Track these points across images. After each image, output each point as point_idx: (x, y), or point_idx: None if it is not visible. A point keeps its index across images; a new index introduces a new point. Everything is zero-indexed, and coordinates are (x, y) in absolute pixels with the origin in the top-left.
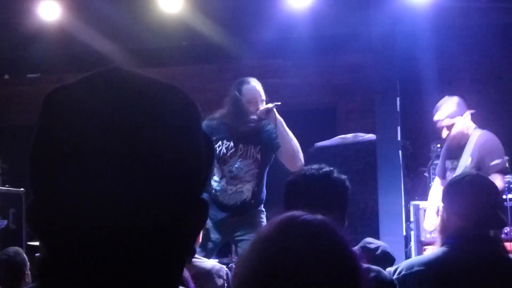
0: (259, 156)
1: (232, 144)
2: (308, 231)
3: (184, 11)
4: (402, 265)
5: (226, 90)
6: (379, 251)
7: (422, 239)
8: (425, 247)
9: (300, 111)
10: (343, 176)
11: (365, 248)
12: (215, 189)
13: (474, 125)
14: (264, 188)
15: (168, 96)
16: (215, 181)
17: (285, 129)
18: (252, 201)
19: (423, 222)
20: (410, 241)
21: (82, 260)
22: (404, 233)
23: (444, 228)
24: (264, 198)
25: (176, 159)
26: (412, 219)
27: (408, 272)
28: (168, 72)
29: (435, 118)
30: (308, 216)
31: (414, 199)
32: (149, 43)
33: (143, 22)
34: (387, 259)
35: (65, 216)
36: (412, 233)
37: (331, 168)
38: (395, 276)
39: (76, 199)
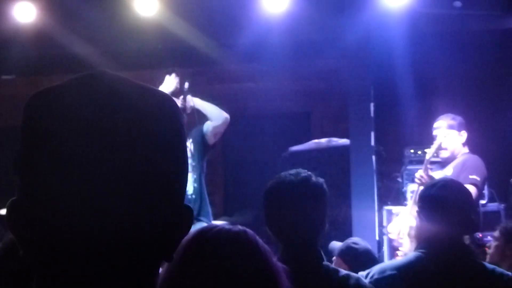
0: (191, 148)
1: None
2: (224, 241)
3: (160, 14)
4: (374, 269)
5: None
6: (362, 250)
7: (395, 244)
8: (398, 251)
9: (275, 115)
10: (321, 180)
11: (349, 248)
12: None
13: (467, 150)
14: (207, 198)
15: (154, 102)
16: None
17: (201, 101)
18: (194, 196)
19: (389, 225)
20: (383, 246)
21: (59, 263)
22: (377, 238)
23: (418, 233)
24: (209, 212)
25: (160, 165)
26: (385, 224)
27: (380, 276)
28: (143, 75)
29: (435, 125)
30: (226, 226)
31: (387, 204)
32: (124, 46)
33: (119, 24)
34: (370, 258)
35: (44, 219)
36: (385, 238)
37: (309, 173)
38: (367, 280)
39: (59, 203)
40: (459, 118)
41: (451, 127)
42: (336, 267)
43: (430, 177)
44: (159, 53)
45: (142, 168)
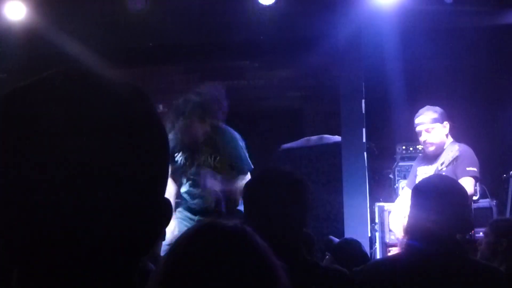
0: (218, 165)
1: (188, 154)
2: (223, 237)
3: (151, 12)
4: (368, 264)
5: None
6: (355, 251)
7: (387, 240)
8: (390, 248)
9: (266, 112)
10: (303, 177)
11: (342, 247)
12: (185, 192)
13: (451, 139)
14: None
15: (128, 97)
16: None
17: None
18: (217, 209)
19: (390, 223)
20: (375, 242)
21: (36, 260)
22: (369, 235)
23: (411, 230)
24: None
25: (135, 161)
26: (377, 220)
27: (372, 271)
28: (134, 73)
29: (416, 121)
30: (227, 222)
31: (379, 201)
32: (115, 44)
33: (110, 22)
34: (363, 259)
35: (18, 217)
36: (377, 234)
37: (291, 169)
38: (360, 276)
39: (34, 201)
40: (439, 109)
41: (434, 120)
42: (316, 261)
43: None
44: (150, 51)
45: (117, 163)
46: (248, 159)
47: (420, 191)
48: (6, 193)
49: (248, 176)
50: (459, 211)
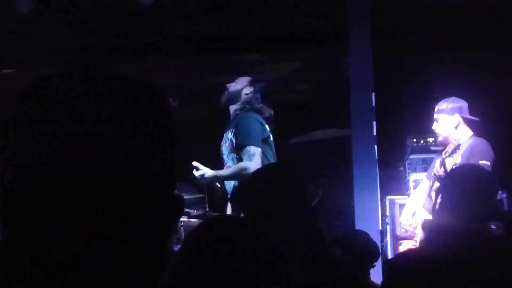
0: (233, 139)
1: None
2: (235, 230)
3: (159, 5)
4: (396, 256)
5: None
6: (363, 243)
7: (398, 233)
8: (401, 241)
9: (276, 106)
10: (296, 168)
11: (351, 239)
12: None
13: (471, 133)
14: None
15: (143, 93)
16: None
17: (221, 176)
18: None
19: (400, 216)
20: (386, 235)
21: (54, 250)
22: (380, 228)
23: (440, 222)
24: None
25: (149, 156)
26: (387, 213)
27: (400, 264)
28: (142, 67)
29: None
30: (237, 216)
31: (389, 194)
32: (124, 38)
33: (118, 16)
34: (371, 252)
35: (38, 207)
36: (388, 227)
37: (286, 163)
38: (387, 268)
39: (48, 191)
40: (456, 102)
41: (441, 111)
42: (322, 255)
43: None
44: (159, 44)
45: (129, 159)
46: (254, 137)
47: (449, 184)
48: (23, 184)
49: (254, 153)
50: (489, 199)
